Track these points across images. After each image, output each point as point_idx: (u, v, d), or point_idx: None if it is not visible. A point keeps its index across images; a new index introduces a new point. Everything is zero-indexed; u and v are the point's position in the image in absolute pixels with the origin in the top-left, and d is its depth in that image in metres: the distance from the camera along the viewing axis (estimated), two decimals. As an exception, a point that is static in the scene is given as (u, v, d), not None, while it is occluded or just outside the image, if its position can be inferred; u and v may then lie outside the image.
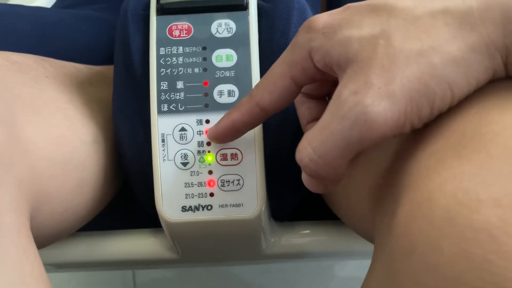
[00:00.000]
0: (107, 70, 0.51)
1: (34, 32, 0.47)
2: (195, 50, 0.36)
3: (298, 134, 0.38)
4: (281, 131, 0.38)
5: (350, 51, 0.25)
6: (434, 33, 0.24)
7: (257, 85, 0.31)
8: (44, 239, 0.36)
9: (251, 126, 0.32)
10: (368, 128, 0.24)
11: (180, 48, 0.36)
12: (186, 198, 0.36)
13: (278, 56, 0.37)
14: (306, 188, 0.43)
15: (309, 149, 0.26)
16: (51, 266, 0.44)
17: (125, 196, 0.46)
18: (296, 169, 0.40)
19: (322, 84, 0.32)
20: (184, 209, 0.36)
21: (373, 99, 0.23)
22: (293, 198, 0.42)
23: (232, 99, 0.35)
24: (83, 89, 0.43)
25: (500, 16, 0.23)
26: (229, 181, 0.36)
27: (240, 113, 0.32)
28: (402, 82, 0.23)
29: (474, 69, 0.24)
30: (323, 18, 0.27)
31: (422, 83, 0.23)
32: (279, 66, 0.30)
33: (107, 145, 0.41)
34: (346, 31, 0.26)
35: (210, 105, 0.35)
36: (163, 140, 0.35)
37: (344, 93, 0.25)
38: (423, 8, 0.25)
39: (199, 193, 0.36)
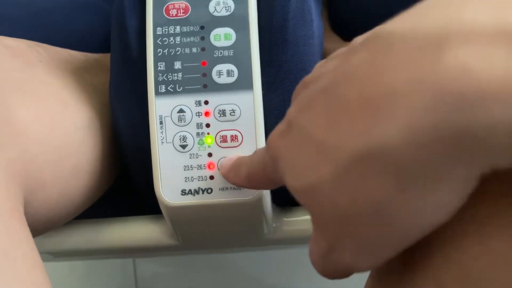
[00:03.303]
0: (104, 58, 0.50)
1: (28, 19, 0.46)
2: (193, 30, 0.35)
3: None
4: (283, 112, 0.37)
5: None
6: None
7: (243, 164, 0.31)
8: (39, 226, 0.35)
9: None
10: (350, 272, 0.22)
11: (178, 28, 0.35)
12: (185, 181, 0.35)
13: (277, 35, 0.36)
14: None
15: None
16: (49, 255, 0.43)
17: (123, 184, 0.45)
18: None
19: None
20: (183, 192, 0.35)
21: (349, 257, 0.21)
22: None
23: (231, 79, 0.34)
24: (79, 75, 0.42)
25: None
26: (229, 164, 0.35)
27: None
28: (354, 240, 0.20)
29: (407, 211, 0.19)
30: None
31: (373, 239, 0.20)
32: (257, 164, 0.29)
33: (104, 130, 0.40)
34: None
35: (209, 86, 0.35)
36: (161, 122, 0.35)
37: (316, 252, 0.23)
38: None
39: (198, 176, 0.35)
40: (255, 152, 0.30)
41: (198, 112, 0.35)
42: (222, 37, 0.35)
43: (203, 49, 0.35)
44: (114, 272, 0.86)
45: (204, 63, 0.35)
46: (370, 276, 0.26)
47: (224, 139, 0.35)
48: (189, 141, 0.35)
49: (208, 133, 0.35)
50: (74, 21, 0.50)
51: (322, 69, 0.23)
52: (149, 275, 0.86)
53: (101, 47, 0.51)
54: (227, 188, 0.35)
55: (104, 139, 0.40)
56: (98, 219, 0.43)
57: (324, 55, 0.49)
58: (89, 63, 0.47)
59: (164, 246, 0.42)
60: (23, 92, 0.34)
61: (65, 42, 0.47)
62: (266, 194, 0.36)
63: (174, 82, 0.35)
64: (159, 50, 0.35)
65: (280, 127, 0.24)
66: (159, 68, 0.35)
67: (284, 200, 0.43)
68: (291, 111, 0.24)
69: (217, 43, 0.35)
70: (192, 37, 0.35)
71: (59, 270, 0.83)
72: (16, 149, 0.30)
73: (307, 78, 0.25)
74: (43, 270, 0.29)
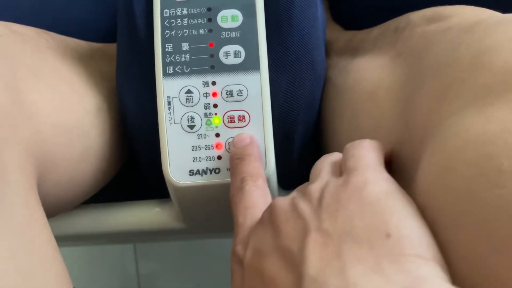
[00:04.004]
0: (106, 47, 0.51)
1: (32, 5, 0.47)
2: (200, 11, 0.35)
3: (308, 96, 0.38)
4: (290, 93, 0.37)
5: None
6: None
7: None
8: (49, 209, 0.35)
9: None
10: None
11: (185, 10, 0.35)
12: (193, 161, 0.35)
13: (283, 16, 0.36)
14: (313, 156, 0.43)
15: None
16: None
17: (131, 169, 0.46)
18: (303, 135, 0.40)
19: None
20: (191, 173, 0.35)
21: None
22: (300, 165, 0.41)
23: (238, 60, 0.35)
24: (86, 62, 0.43)
25: None
26: (237, 144, 0.35)
27: None
28: None
29: None
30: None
31: None
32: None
33: (112, 116, 0.41)
34: None
35: (216, 67, 0.35)
36: (169, 103, 0.35)
37: None
38: None
39: (206, 156, 0.35)
40: (248, 198, 0.31)
41: (206, 93, 0.35)
42: (229, 18, 0.35)
43: (210, 31, 0.35)
44: (115, 266, 0.86)
45: (211, 45, 0.35)
46: None
47: (231, 119, 0.35)
48: (197, 121, 0.35)
49: (215, 114, 0.35)
50: (75, 10, 0.51)
51: (291, 215, 0.26)
52: (151, 270, 0.86)
53: (102, 37, 0.51)
54: (234, 168, 0.35)
55: (112, 124, 0.40)
56: (104, 203, 0.44)
57: (326, 43, 0.50)
58: (94, 51, 0.47)
59: (170, 230, 0.42)
60: (34, 76, 0.34)
61: (68, 29, 0.47)
62: (273, 176, 0.37)
63: (181, 63, 0.35)
64: (166, 32, 0.35)
65: (239, 249, 0.28)
66: (166, 49, 0.35)
67: (290, 183, 0.43)
68: (241, 252, 0.27)
69: (224, 25, 0.35)
70: (199, 19, 0.35)
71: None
72: (30, 131, 0.31)
73: (275, 208, 0.27)
74: (56, 247, 0.29)
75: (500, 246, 0.19)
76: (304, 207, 0.25)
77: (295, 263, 0.23)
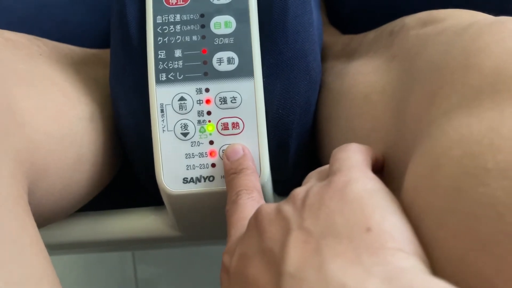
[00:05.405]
0: (102, 53, 0.50)
1: (26, 11, 0.46)
2: (193, 18, 0.35)
3: (303, 102, 0.38)
4: (285, 99, 0.37)
5: None
6: None
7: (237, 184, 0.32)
8: (42, 218, 0.35)
9: None
10: None
11: (178, 16, 0.35)
12: (187, 169, 0.35)
13: (277, 22, 0.36)
14: (309, 162, 0.42)
15: None
16: (47, 248, 0.43)
17: (125, 177, 0.45)
18: (299, 141, 0.40)
19: None
20: (185, 180, 0.35)
21: None
22: (296, 171, 0.41)
23: (231, 67, 0.35)
24: (79, 68, 0.42)
25: None
26: (231, 151, 0.35)
27: None
28: None
29: None
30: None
31: None
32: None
33: (105, 122, 0.40)
34: None
35: (209, 73, 0.35)
36: (162, 111, 0.35)
37: None
38: None
39: (200, 164, 0.35)
40: (244, 204, 0.31)
41: (199, 100, 0.35)
42: (222, 24, 0.35)
43: (203, 37, 0.35)
44: (114, 271, 0.85)
45: (204, 51, 0.35)
46: None
47: (225, 126, 0.35)
48: (190, 129, 0.35)
49: (209, 121, 0.35)
50: (71, 15, 0.50)
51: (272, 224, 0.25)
52: (150, 275, 0.85)
53: (97, 42, 0.51)
54: (229, 176, 0.35)
55: (106, 131, 0.40)
56: (99, 211, 0.43)
57: (323, 47, 0.49)
58: (87, 57, 0.47)
59: (164, 237, 0.42)
60: (26, 83, 0.34)
61: (63, 35, 0.47)
62: (268, 183, 0.36)
63: (174, 70, 0.35)
64: (159, 38, 0.35)
65: (226, 259, 0.28)
66: (159, 56, 0.35)
67: (286, 189, 0.43)
68: (228, 260, 0.27)
69: (217, 31, 0.35)
70: (192, 25, 0.35)
71: (56, 270, 0.82)
72: (21, 139, 0.30)
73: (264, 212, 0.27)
74: (48, 257, 0.29)
75: (484, 244, 0.19)
76: (288, 209, 0.25)
77: (275, 262, 0.23)
